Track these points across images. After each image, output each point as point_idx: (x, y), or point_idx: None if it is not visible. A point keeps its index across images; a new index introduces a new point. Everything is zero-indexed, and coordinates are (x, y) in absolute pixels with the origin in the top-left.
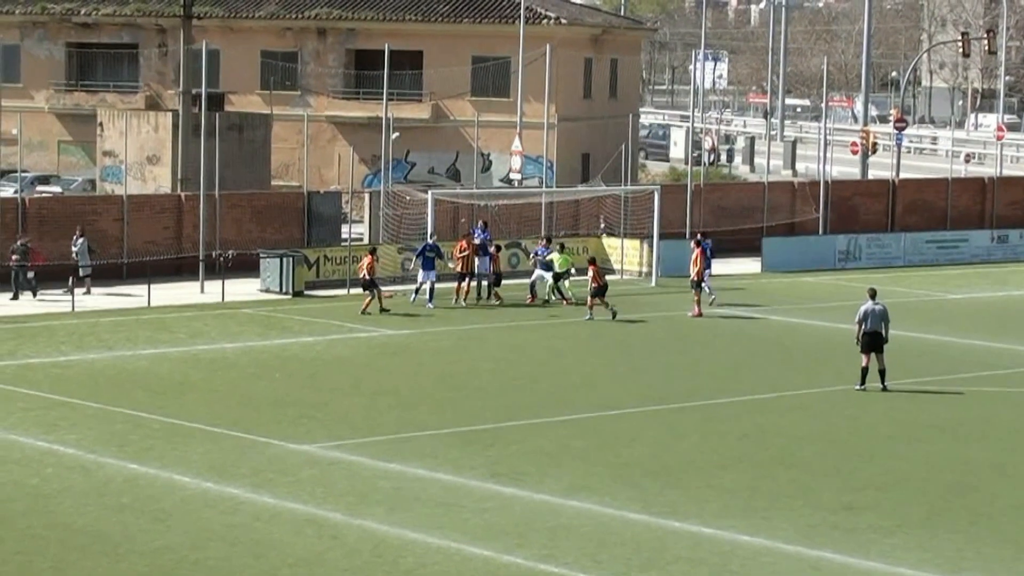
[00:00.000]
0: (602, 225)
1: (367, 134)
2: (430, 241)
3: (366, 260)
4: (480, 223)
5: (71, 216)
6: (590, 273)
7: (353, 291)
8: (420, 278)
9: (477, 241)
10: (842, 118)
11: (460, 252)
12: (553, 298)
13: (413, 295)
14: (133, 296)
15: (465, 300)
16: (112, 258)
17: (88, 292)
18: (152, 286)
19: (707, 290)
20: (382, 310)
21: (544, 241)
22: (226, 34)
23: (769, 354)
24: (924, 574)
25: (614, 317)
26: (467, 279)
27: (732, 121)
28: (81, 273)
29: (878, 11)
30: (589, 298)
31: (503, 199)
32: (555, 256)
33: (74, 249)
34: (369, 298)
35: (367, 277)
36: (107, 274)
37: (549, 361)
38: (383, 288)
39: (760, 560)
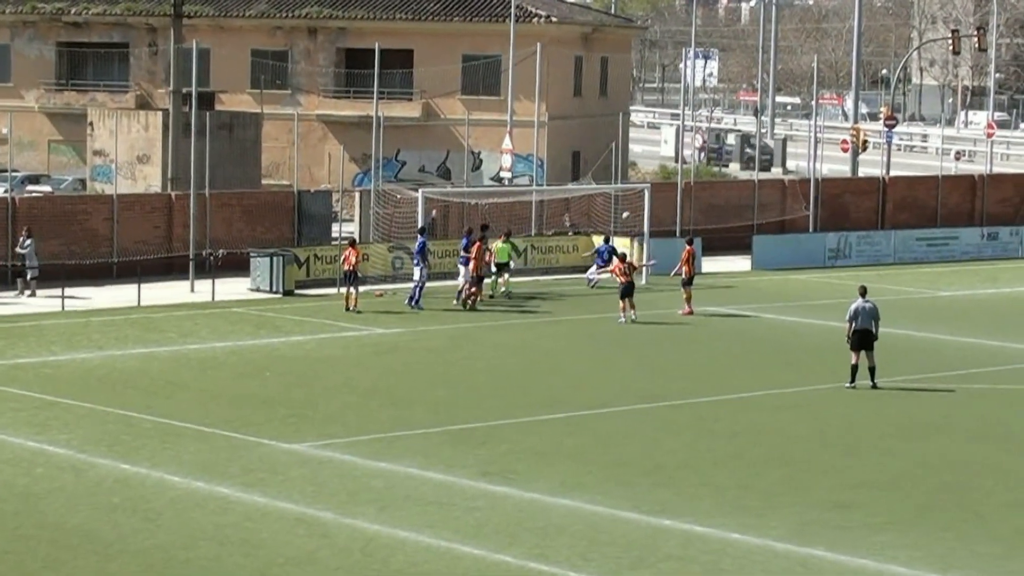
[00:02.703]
0: (567, 223)
1: (357, 133)
2: (422, 237)
3: (350, 253)
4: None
5: (61, 216)
6: (616, 268)
7: (343, 289)
8: (417, 276)
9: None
10: (832, 116)
11: (476, 255)
12: (500, 292)
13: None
14: (79, 299)
15: (467, 303)
16: (102, 257)
17: (33, 294)
18: (142, 285)
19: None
20: (349, 309)
21: (467, 230)
22: (216, 33)
23: (760, 352)
24: (915, 572)
25: (632, 321)
26: (480, 281)
27: (722, 119)
28: (29, 275)
29: (868, 8)
30: (619, 300)
31: (493, 197)
32: (497, 245)
33: (22, 252)
34: (353, 294)
35: (352, 271)
36: (98, 273)
37: (541, 360)
38: (374, 287)
39: (752, 558)
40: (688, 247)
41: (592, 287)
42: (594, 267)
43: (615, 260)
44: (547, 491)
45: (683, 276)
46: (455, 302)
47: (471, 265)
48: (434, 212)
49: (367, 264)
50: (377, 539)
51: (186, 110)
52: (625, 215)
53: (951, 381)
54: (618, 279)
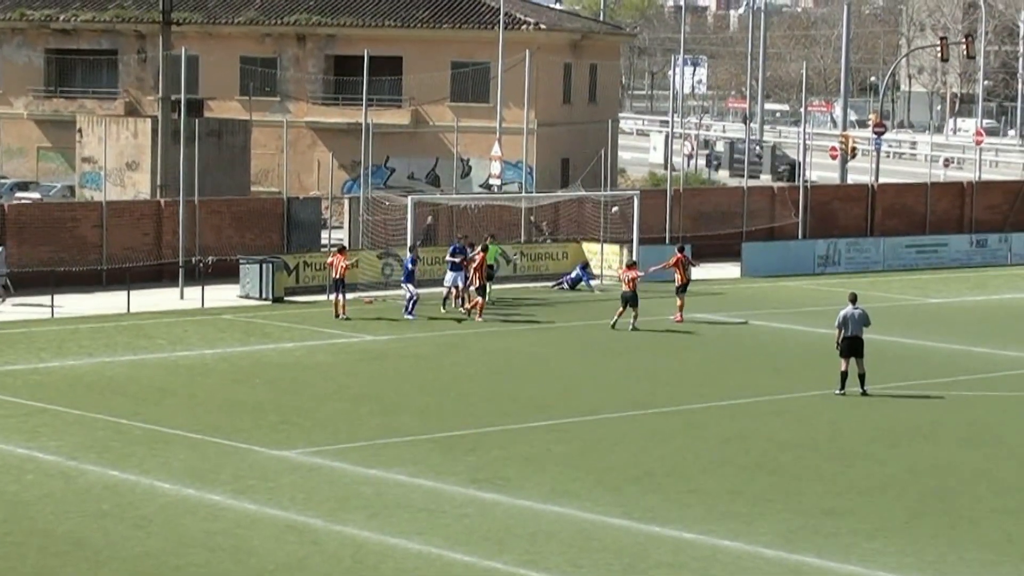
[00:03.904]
0: (545, 230)
1: (346, 140)
2: (411, 255)
3: (338, 260)
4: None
5: (50, 223)
6: (625, 276)
7: (332, 296)
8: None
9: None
10: (821, 123)
11: (479, 264)
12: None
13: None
14: (47, 306)
15: (480, 314)
16: (91, 264)
17: (3, 300)
18: (132, 292)
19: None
20: (338, 316)
21: (460, 236)
22: (205, 40)
23: (749, 359)
24: None
25: (632, 328)
26: (483, 291)
27: (711, 126)
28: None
29: (857, 16)
30: (620, 306)
31: (483, 203)
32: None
33: None
34: (342, 301)
35: (341, 278)
36: (87, 280)
37: (530, 366)
38: (364, 295)
39: (741, 565)
40: (679, 254)
41: (553, 287)
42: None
43: (623, 267)
44: (537, 498)
45: (677, 283)
46: (443, 310)
47: (474, 275)
48: (429, 218)
49: (356, 271)
50: (367, 546)
51: (175, 117)
52: (614, 210)
53: (940, 388)
54: (624, 285)
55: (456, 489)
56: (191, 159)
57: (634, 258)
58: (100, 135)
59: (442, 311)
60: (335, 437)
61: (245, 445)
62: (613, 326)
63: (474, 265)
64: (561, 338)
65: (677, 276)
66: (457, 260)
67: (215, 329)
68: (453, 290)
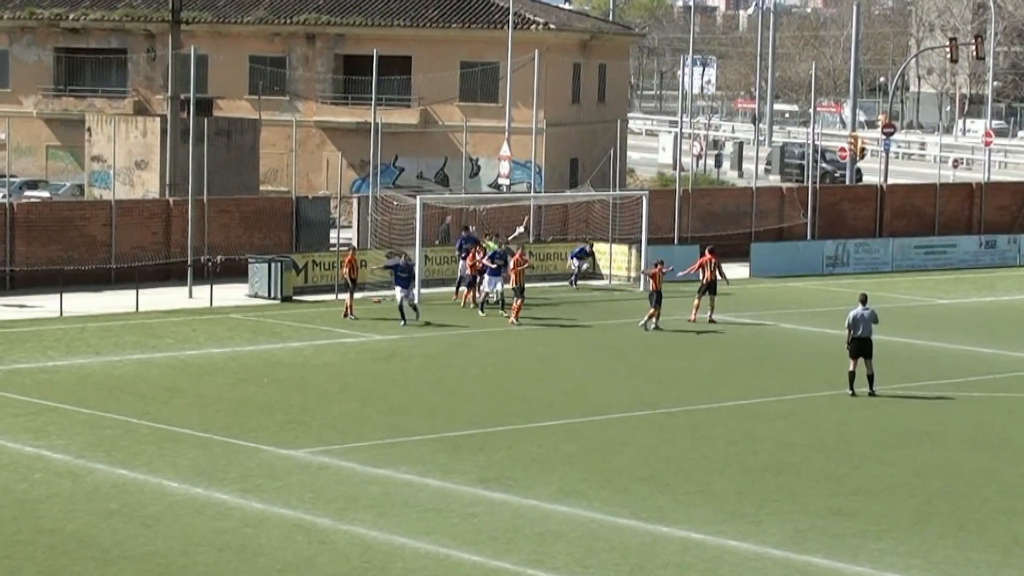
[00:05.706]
0: (521, 229)
1: (355, 139)
2: (400, 262)
3: (348, 259)
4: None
5: (59, 221)
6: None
7: (342, 296)
8: (397, 295)
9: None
10: (830, 123)
11: (516, 266)
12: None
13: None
14: (29, 307)
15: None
16: (100, 263)
17: None
18: (140, 291)
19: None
20: (346, 316)
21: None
22: (215, 39)
23: (758, 359)
24: None
25: (646, 328)
26: (521, 295)
27: (720, 126)
28: None
29: (866, 16)
30: (651, 307)
31: (491, 203)
32: (490, 245)
33: None
34: (349, 300)
35: (352, 277)
36: (96, 279)
37: (538, 366)
38: (372, 294)
39: (749, 565)
40: (710, 254)
41: (572, 283)
42: (574, 264)
43: (652, 267)
44: (545, 497)
45: (701, 283)
46: (481, 313)
47: (512, 278)
48: (448, 218)
49: (364, 271)
50: (375, 545)
51: (184, 116)
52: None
53: (948, 389)
54: (651, 285)
55: (464, 489)
56: (200, 158)
57: (657, 258)
58: (109, 134)
59: (481, 315)
60: (343, 436)
61: (253, 444)
62: (657, 328)
63: (510, 267)
64: (568, 338)
65: (704, 276)
66: (495, 265)
67: (223, 328)
68: (492, 294)
